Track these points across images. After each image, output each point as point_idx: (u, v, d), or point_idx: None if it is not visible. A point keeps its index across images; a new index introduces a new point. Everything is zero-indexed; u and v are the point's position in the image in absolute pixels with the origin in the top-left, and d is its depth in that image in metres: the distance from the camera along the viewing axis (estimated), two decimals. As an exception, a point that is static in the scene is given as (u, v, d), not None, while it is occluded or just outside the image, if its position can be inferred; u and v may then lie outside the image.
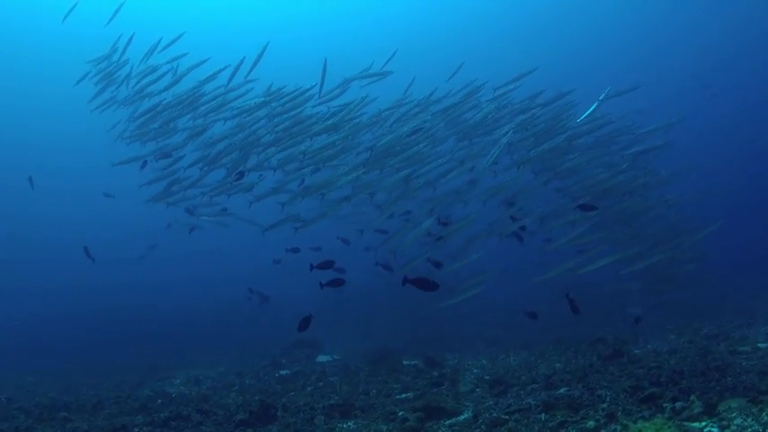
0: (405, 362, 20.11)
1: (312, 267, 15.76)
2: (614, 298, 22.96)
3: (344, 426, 13.41)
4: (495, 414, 12.61)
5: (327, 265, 15.97)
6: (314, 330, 26.61)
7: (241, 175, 18.74)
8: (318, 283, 15.16)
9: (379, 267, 19.52)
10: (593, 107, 18.73)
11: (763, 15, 41.85)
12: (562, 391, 13.77)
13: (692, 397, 11.12)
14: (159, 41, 21.37)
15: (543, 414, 12.01)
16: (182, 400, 17.09)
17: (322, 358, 23.32)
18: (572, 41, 57.66)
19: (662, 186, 20.21)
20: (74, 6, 25.22)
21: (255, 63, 19.83)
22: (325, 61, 18.23)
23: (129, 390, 19.95)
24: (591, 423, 10.91)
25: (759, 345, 15.84)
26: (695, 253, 20.07)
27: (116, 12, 23.82)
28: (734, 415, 9.93)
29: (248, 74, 19.94)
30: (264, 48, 19.53)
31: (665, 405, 11.17)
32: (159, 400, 17.42)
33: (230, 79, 19.91)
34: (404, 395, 15.62)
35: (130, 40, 21.67)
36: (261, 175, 18.92)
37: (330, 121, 18.63)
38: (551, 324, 22.62)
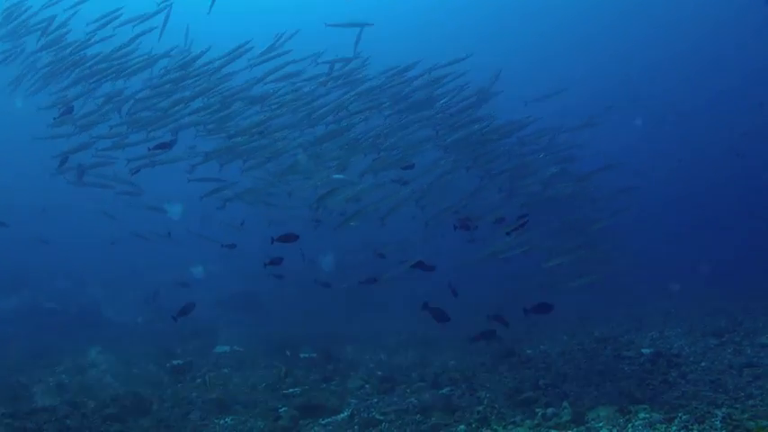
0: (302, 354, 19.67)
1: (273, 240, 14.92)
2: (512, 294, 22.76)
3: (221, 422, 12.97)
4: (372, 414, 12.33)
5: (290, 238, 15.11)
6: (214, 320, 26.05)
7: (165, 145, 17.26)
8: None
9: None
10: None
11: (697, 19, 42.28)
12: (445, 390, 13.54)
13: (565, 403, 10.96)
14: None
15: (418, 415, 11.76)
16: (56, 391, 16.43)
17: (220, 349, 22.76)
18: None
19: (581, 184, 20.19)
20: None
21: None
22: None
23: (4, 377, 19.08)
24: (462, 427, 10.71)
25: (643, 350, 15.77)
26: (603, 255, 20.08)
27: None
28: (601, 425, 9.77)
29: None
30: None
31: (537, 410, 10.99)
32: (35, 388, 16.73)
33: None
34: (292, 390, 15.21)
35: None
36: (194, 146, 17.83)
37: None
38: (461, 319, 22.36)
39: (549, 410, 10.73)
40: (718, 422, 9.24)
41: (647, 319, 21.21)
